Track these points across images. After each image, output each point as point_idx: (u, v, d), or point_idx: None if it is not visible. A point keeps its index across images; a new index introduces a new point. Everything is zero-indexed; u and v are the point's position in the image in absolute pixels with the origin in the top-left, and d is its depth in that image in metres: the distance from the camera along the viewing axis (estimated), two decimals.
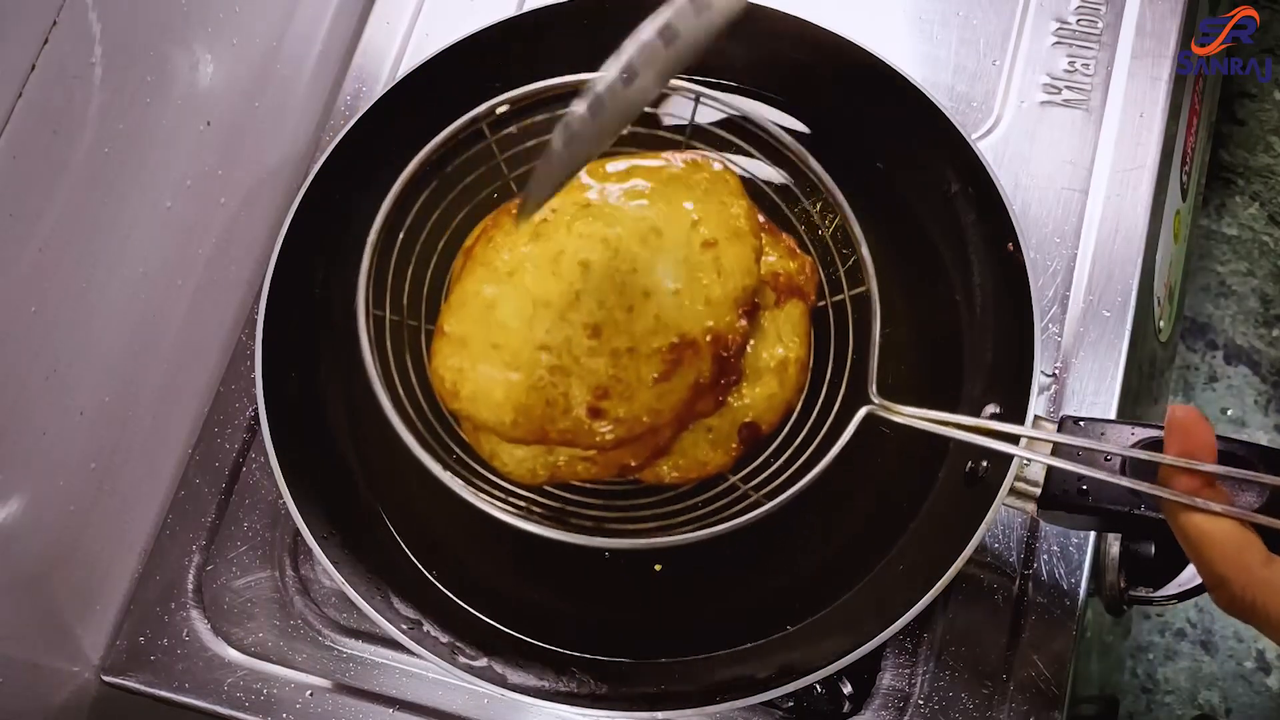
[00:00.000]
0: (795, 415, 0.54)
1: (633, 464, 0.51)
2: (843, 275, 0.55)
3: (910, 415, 0.48)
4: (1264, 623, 0.38)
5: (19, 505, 0.54)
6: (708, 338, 0.49)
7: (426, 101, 0.62)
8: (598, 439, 0.49)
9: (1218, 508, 0.39)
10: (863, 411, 0.49)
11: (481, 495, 0.49)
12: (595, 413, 0.48)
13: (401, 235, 0.54)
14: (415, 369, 0.54)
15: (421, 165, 0.53)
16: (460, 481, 0.49)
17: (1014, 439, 0.47)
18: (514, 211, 0.52)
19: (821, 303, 0.56)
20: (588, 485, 0.53)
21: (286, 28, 0.67)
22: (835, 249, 0.56)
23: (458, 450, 0.53)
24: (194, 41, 0.59)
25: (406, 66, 0.70)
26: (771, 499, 0.48)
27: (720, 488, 0.53)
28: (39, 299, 0.53)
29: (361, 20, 0.73)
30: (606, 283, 0.49)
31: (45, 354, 0.54)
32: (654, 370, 0.48)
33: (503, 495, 0.52)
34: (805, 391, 0.54)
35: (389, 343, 0.53)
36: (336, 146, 0.60)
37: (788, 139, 0.53)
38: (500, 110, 0.54)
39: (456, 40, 0.62)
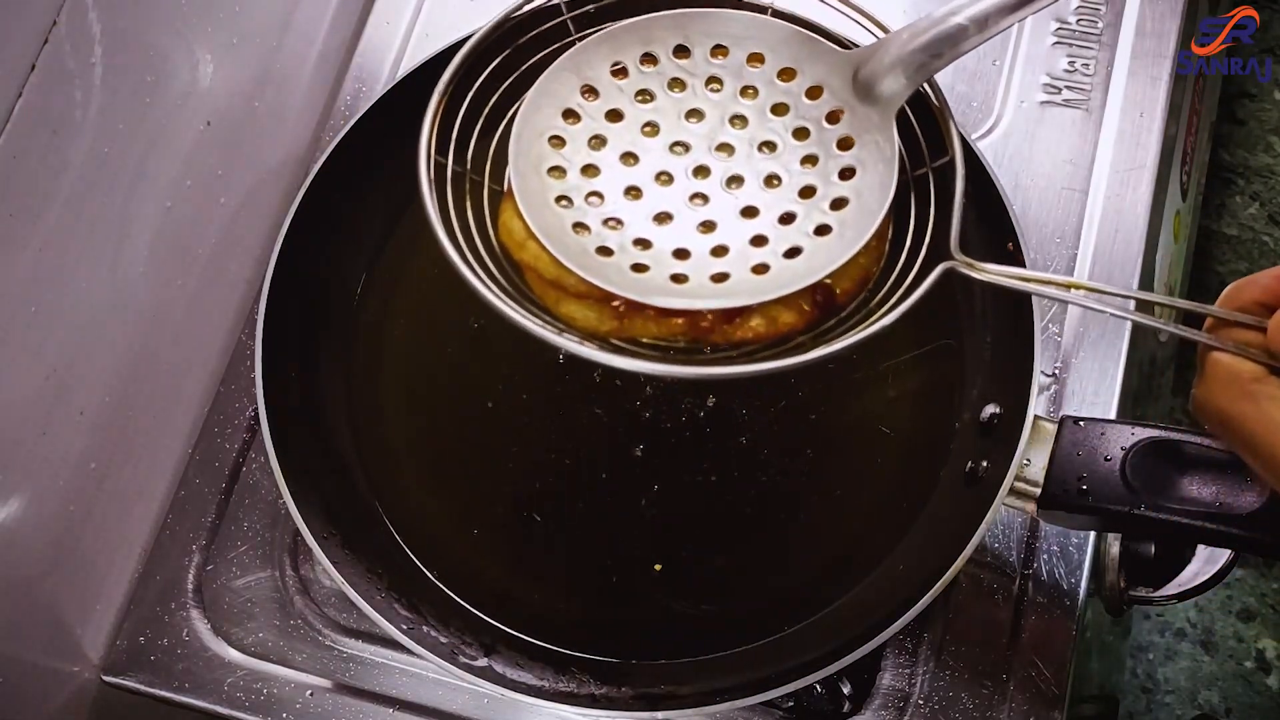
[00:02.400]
0: (871, 287, 0.49)
1: (702, 325, 0.47)
2: (924, 148, 0.50)
3: (995, 273, 0.44)
4: (1240, 433, 0.39)
5: (19, 505, 0.54)
6: None
7: (426, 101, 0.62)
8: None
9: (1228, 344, 0.39)
10: (942, 267, 0.45)
11: (538, 320, 0.45)
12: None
13: (468, 98, 0.50)
14: (475, 221, 0.49)
15: (493, 32, 0.50)
16: (517, 308, 0.44)
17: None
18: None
19: (903, 177, 0.53)
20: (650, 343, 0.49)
21: (286, 28, 0.67)
22: (916, 122, 0.53)
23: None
24: (194, 41, 0.59)
25: (406, 66, 0.70)
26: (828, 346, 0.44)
27: (787, 345, 0.48)
28: (39, 299, 0.53)
29: (361, 20, 0.73)
30: None
31: (45, 354, 0.54)
32: None
33: (560, 328, 0.47)
34: (883, 261, 0.49)
35: (449, 191, 0.48)
36: (336, 146, 0.60)
37: (869, 25, 0.50)
38: None
39: (457, 40, 0.62)
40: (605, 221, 0.45)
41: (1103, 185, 0.66)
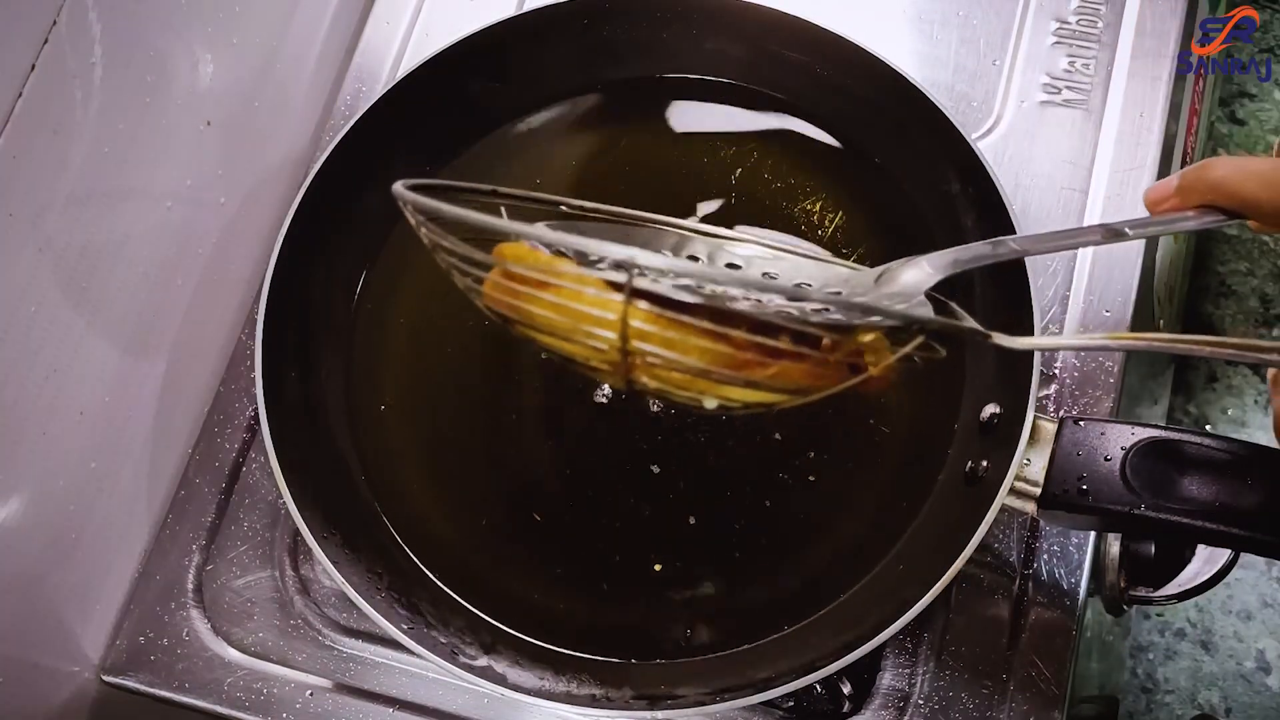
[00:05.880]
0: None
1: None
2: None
3: (1031, 343, 0.46)
4: None
5: (19, 505, 0.54)
6: None
7: (427, 101, 0.62)
8: None
9: None
10: (974, 325, 0.45)
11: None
12: None
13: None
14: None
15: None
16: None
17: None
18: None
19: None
20: None
21: (286, 28, 0.67)
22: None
23: None
24: (194, 41, 0.59)
25: (406, 66, 0.70)
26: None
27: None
28: (39, 299, 0.53)
29: (361, 20, 0.73)
30: None
31: (45, 354, 0.54)
32: None
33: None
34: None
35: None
36: (336, 146, 0.60)
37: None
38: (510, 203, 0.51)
39: (457, 40, 0.62)
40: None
41: (1103, 185, 0.66)
